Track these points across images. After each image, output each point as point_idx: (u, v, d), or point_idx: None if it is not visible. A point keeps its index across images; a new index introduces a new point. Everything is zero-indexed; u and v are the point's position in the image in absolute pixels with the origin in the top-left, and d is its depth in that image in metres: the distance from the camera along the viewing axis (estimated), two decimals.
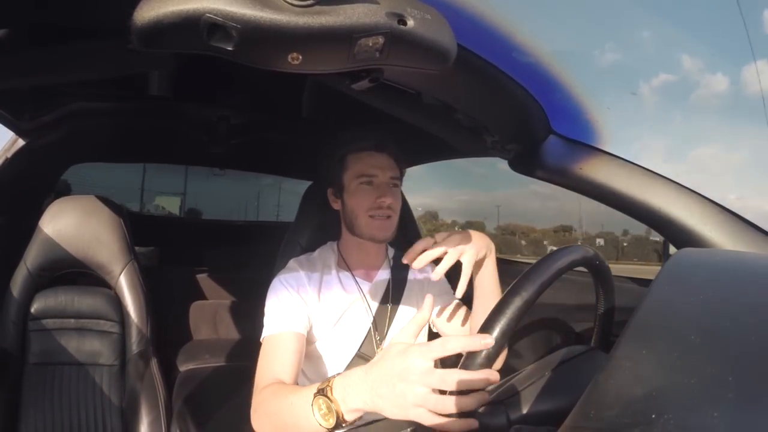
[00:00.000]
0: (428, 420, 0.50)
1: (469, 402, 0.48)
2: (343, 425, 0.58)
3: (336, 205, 0.98)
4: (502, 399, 0.49)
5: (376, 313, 0.94)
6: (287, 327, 0.84)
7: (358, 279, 0.96)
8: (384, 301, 0.96)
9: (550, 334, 1.02)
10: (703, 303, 0.38)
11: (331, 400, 0.57)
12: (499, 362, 0.77)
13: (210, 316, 1.44)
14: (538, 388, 0.51)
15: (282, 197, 2.59)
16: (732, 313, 0.36)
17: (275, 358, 0.80)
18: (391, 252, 1.04)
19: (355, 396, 0.56)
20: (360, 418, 0.58)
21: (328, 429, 0.58)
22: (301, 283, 0.90)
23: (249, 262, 1.53)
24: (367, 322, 0.93)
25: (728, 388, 0.28)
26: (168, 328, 1.27)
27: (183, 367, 1.37)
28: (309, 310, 0.88)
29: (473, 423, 0.49)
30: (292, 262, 0.95)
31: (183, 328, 1.40)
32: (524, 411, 0.48)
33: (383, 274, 0.99)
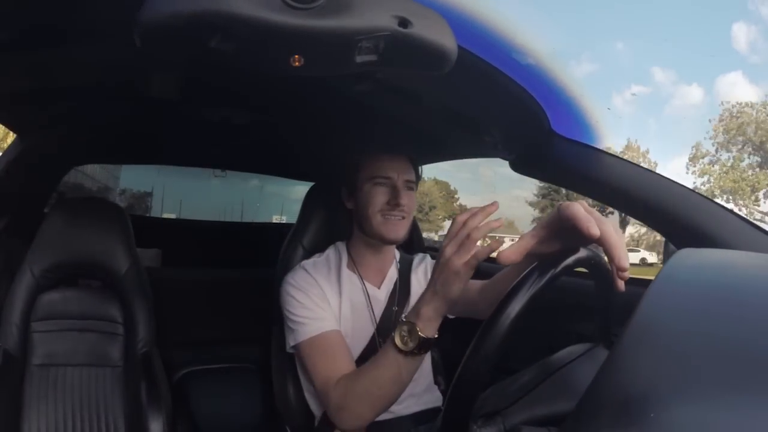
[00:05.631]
0: (471, 262, 0.58)
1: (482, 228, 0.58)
2: (419, 348, 0.64)
3: (349, 204, 0.97)
4: (499, 409, 0.49)
5: (381, 318, 0.94)
6: (330, 326, 0.86)
7: (366, 283, 0.96)
8: (390, 304, 0.96)
9: (551, 335, 1.02)
10: (704, 303, 0.38)
11: (408, 323, 0.65)
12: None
13: (212, 317, 1.44)
14: (535, 396, 0.50)
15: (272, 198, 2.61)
16: (732, 313, 0.36)
17: (334, 356, 0.82)
18: (398, 255, 1.04)
19: (424, 305, 0.63)
20: (435, 335, 0.65)
21: (408, 352, 0.65)
22: (316, 285, 0.90)
23: (251, 263, 1.54)
24: (371, 329, 0.93)
25: (728, 388, 0.28)
26: (170, 329, 1.28)
27: (185, 368, 1.37)
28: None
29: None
30: (301, 266, 0.95)
31: (185, 329, 1.40)
32: (521, 420, 0.48)
33: (391, 277, 0.99)
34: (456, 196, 22.79)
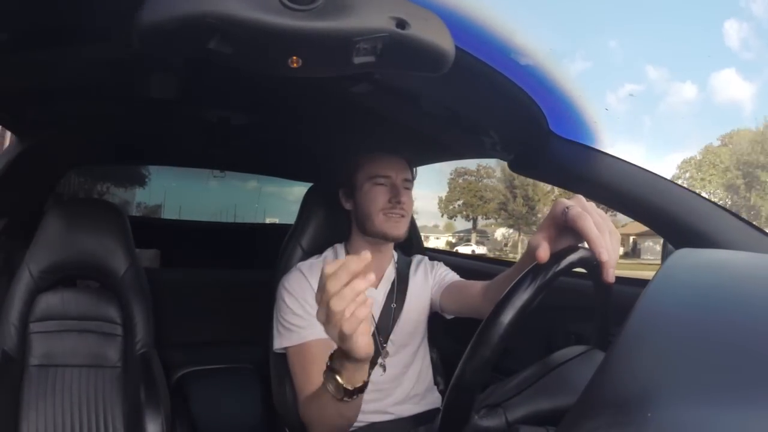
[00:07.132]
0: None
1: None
2: (351, 393, 0.61)
3: (348, 206, 0.98)
4: (500, 401, 0.49)
5: (380, 317, 0.95)
6: (314, 335, 0.85)
7: None
8: (388, 302, 0.96)
9: (550, 336, 1.03)
10: (701, 303, 0.38)
11: (334, 380, 0.61)
12: None
13: (211, 317, 1.44)
14: (537, 389, 0.50)
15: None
16: (729, 313, 0.36)
17: (311, 370, 0.82)
18: (396, 255, 1.04)
19: (339, 367, 0.60)
20: (364, 384, 0.61)
21: (341, 400, 0.62)
22: (310, 290, 0.90)
23: (250, 264, 1.54)
24: (370, 328, 0.93)
25: (725, 388, 0.28)
26: (169, 330, 1.28)
27: (184, 369, 1.37)
28: None
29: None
30: (297, 268, 0.95)
31: (184, 330, 1.40)
32: (523, 412, 0.48)
33: (389, 276, 0.99)
34: None
